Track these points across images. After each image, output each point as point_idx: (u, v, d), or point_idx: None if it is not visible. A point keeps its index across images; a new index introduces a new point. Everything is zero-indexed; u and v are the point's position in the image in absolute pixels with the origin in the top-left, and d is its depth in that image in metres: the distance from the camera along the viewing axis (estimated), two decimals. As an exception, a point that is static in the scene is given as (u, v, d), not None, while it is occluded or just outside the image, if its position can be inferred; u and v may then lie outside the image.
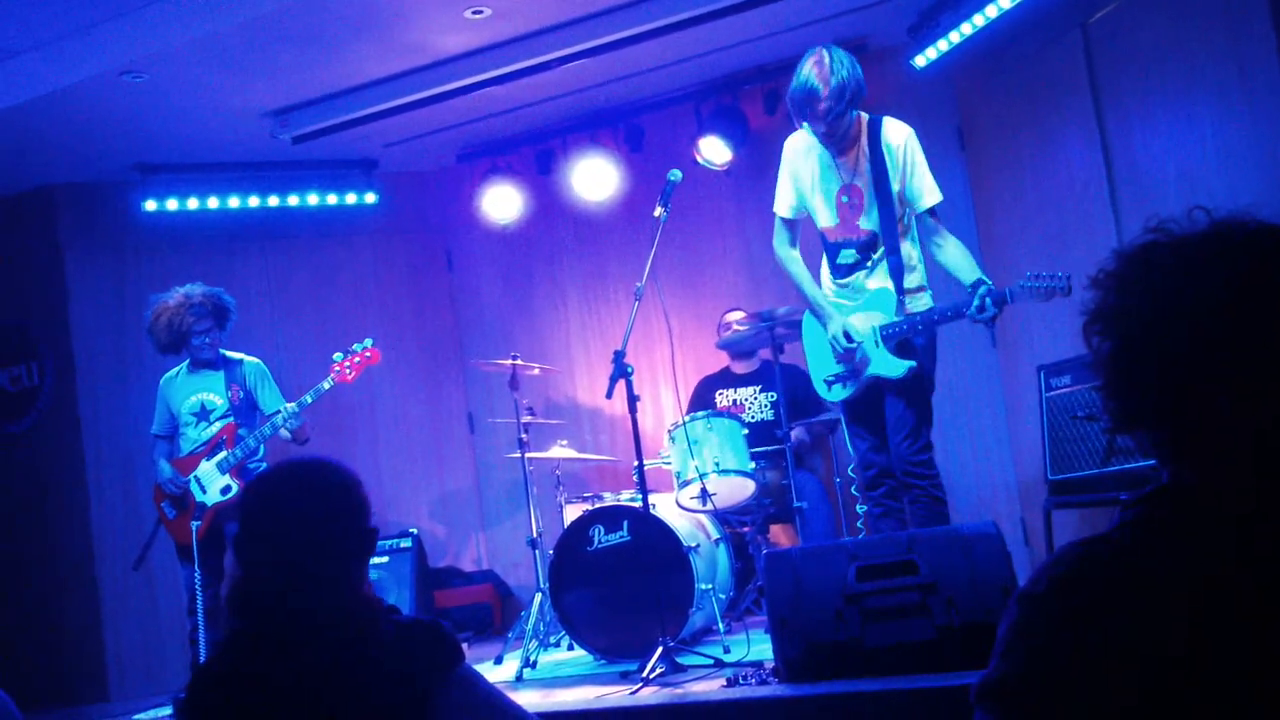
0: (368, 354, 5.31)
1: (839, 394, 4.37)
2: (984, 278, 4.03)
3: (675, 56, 5.99)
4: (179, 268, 6.65)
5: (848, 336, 4.19)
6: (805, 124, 4.13)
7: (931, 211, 4.15)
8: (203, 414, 5.26)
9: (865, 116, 4.17)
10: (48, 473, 6.49)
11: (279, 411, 5.22)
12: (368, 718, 1.85)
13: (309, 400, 5.19)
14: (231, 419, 5.21)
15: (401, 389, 7.19)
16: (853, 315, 4.24)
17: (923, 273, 4.27)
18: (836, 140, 4.12)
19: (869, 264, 4.20)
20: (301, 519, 1.94)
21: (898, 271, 4.14)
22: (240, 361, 5.37)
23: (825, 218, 4.27)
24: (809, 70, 3.98)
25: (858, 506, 5.08)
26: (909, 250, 4.22)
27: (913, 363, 4.12)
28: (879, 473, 4.36)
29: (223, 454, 5.13)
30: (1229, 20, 4.51)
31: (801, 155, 4.28)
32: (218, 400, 5.25)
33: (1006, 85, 5.72)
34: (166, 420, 5.35)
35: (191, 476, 5.15)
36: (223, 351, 5.36)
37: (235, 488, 5.10)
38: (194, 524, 5.05)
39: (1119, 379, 1.26)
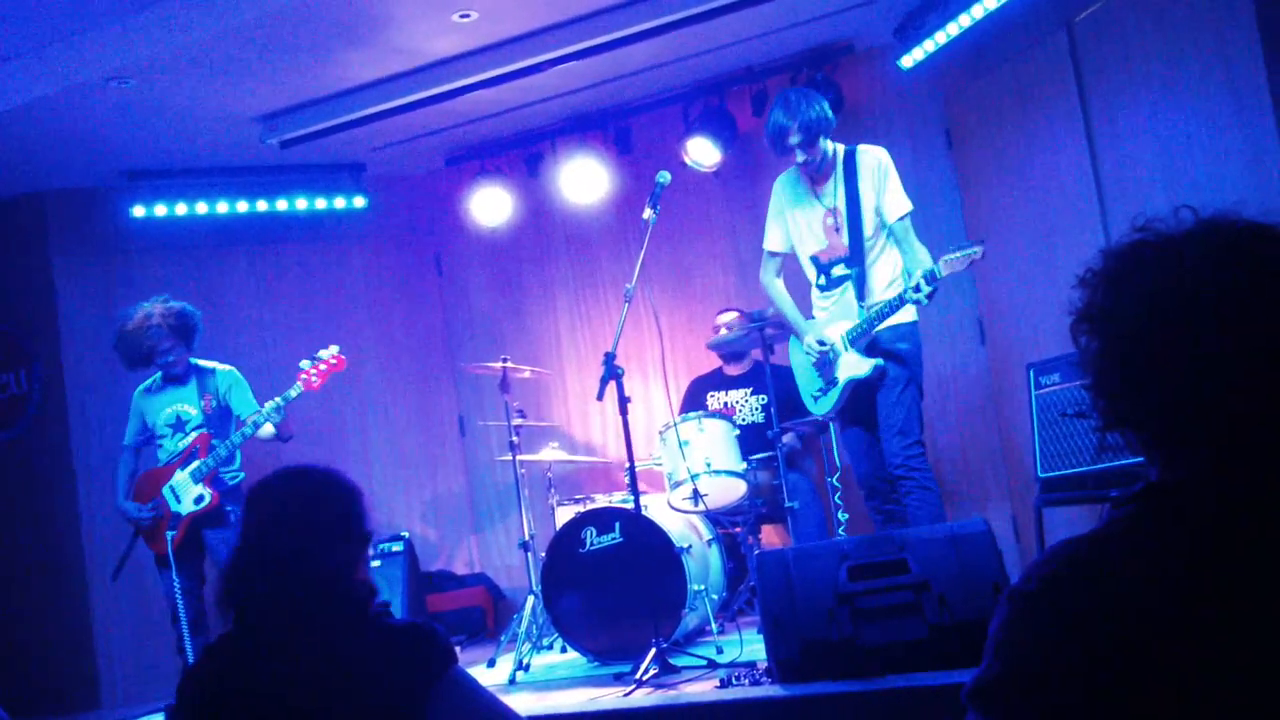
0: (333, 360, 5.31)
1: (824, 406, 4.72)
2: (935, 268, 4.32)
3: (663, 59, 5.99)
4: (168, 273, 6.65)
5: (820, 342, 4.62)
6: (784, 156, 4.62)
7: (905, 221, 4.56)
8: (179, 425, 5.26)
9: (842, 147, 4.65)
10: (37, 480, 6.46)
11: (254, 415, 5.21)
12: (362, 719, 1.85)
13: (277, 417, 5.15)
14: (205, 429, 5.21)
15: (392, 393, 7.18)
16: (828, 327, 4.65)
17: (902, 281, 4.54)
18: (814, 168, 4.62)
19: (853, 276, 4.58)
20: (301, 525, 1.96)
21: (861, 281, 4.56)
22: (213, 371, 5.35)
23: (815, 243, 4.71)
24: (778, 110, 4.54)
25: (839, 514, 5.12)
26: (886, 261, 4.60)
27: (879, 360, 4.49)
28: (873, 479, 4.63)
29: (196, 463, 5.13)
30: (1214, 18, 4.53)
31: (788, 193, 4.78)
32: (193, 411, 5.25)
33: (993, 85, 5.73)
34: (139, 432, 5.36)
35: (166, 487, 5.16)
36: (195, 361, 5.34)
37: (208, 497, 5.10)
38: (169, 534, 5.05)
39: (1107, 377, 1.27)
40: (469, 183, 6.86)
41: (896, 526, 4.42)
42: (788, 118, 4.50)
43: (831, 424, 4.84)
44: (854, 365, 4.54)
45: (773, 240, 4.86)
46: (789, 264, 4.91)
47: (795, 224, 4.75)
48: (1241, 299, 1.18)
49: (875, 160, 4.58)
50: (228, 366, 5.41)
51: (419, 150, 6.88)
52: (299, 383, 5.20)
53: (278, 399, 5.14)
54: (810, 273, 4.78)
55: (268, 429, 5.19)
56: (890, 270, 4.58)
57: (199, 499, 5.10)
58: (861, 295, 4.54)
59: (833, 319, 4.64)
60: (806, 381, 4.81)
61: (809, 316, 4.80)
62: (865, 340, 4.53)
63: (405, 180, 7.33)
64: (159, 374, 5.33)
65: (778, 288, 4.87)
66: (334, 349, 5.33)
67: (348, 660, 1.88)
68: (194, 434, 5.21)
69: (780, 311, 4.86)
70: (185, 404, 5.26)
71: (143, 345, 5.17)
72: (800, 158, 4.56)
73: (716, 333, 6.10)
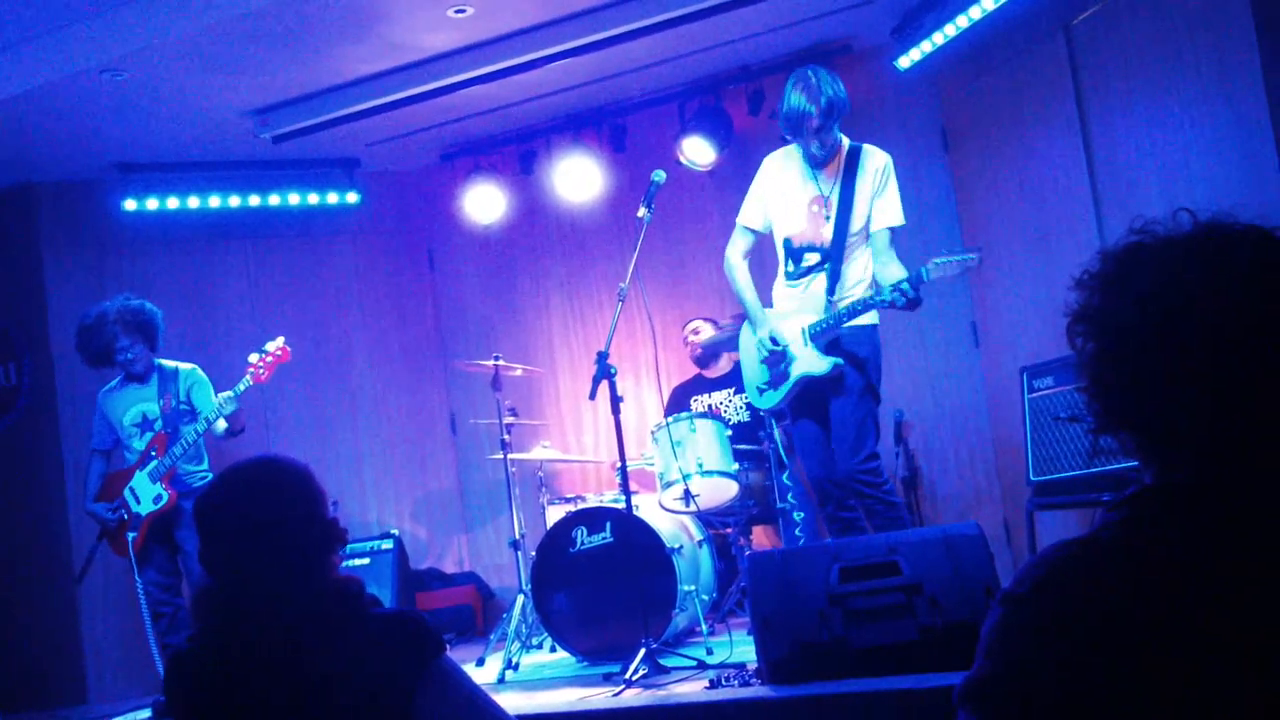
0: (279, 352, 5.29)
1: (770, 400, 4.52)
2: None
3: (659, 57, 5.98)
4: (159, 267, 6.63)
5: (774, 340, 4.38)
6: (797, 142, 4.37)
7: (890, 232, 4.34)
8: (145, 424, 5.26)
9: (847, 141, 4.42)
10: (26, 473, 6.43)
11: (208, 410, 5.19)
12: (351, 708, 1.84)
13: (230, 407, 5.13)
14: (163, 429, 5.20)
15: (383, 389, 7.16)
16: (787, 320, 4.41)
17: (869, 285, 4.38)
18: (822, 155, 4.36)
19: (824, 269, 4.36)
20: (256, 519, 1.93)
21: (835, 278, 4.34)
22: (175, 370, 5.34)
23: (794, 223, 4.45)
24: (799, 93, 4.22)
25: (794, 514, 5.08)
26: (860, 260, 4.38)
27: (839, 360, 4.26)
28: (825, 483, 4.43)
29: (153, 463, 5.14)
30: (1211, 21, 4.53)
31: (779, 168, 4.52)
32: (157, 409, 5.25)
33: (990, 86, 5.73)
34: (106, 434, 5.36)
35: (126, 488, 5.17)
36: (157, 361, 5.33)
37: (166, 496, 5.11)
38: (130, 535, 5.08)
39: (1102, 380, 1.26)
40: (463, 179, 6.85)
41: (854, 534, 4.26)
42: (809, 100, 4.17)
43: (773, 421, 4.75)
44: (811, 362, 4.31)
45: (750, 215, 4.59)
46: (757, 250, 4.70)
47: (779, 199, 4.49)
48: (1239, 302, 1.18)
49: (880, 163, 4.36)
50: (190, 365, 5.40)
51: (413, 146, 6.86)
52: (248, 376, 5.18)
53: (229, 392, 5.13)
54: (781, 255, 4.53)
55: (221, 424, 5.19)
56: (861, 269, 4.37)
57: (157, 498, 5.12)
58: (832, 290, 4.32)
59: (797, 310, 4.42)
60: (753, 372, 4.57)
61: (767, 304, 4.56)
62: (827, 338, 4.31)
63: (399, 176, 7.31)
64: (120, 374, 5.32)
65: (741, 270, 4.58)
66: (280, 340, 5.32)
67: (336, 648, 1.87)
68: (151, 434, 5.21)
69: (737, 294, 4.60)
70: (150, 402, 5.26)
71: (100, 342, 5.18)
72: (815, 147, 4.30)
73: (687, 343, 6.19)
